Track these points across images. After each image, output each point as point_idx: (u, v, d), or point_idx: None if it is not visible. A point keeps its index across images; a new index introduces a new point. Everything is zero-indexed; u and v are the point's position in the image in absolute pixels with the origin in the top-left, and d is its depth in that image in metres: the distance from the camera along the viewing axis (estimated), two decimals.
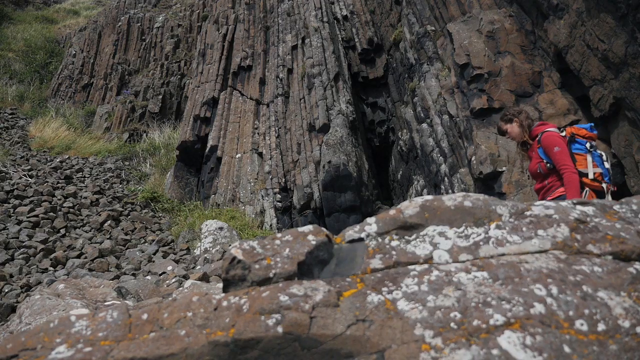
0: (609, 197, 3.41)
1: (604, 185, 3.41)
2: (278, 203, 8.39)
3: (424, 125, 7.79)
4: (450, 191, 6.67)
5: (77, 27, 20.63)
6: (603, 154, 3.56)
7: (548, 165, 3.55)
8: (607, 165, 3.51)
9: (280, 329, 0.98)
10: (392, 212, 1.39)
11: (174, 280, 5.08)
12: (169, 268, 5.84)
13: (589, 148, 3.50)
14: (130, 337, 1.05)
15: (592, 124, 3.73)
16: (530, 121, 3.80)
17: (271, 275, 1.18)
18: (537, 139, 3.67)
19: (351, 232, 1.36)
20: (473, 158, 6.08)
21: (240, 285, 1.19)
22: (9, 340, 1.10)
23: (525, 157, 3.95)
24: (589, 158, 3.48)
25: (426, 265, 1.19)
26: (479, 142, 6.08)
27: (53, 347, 1.03)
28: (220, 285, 4.37)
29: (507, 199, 5.45)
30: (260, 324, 1.00)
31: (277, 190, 8.58)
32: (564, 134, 3.57)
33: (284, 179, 8.69)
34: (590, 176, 3.40)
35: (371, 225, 1.36)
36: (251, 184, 8.90)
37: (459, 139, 6.82)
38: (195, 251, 6.83)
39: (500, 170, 5.77)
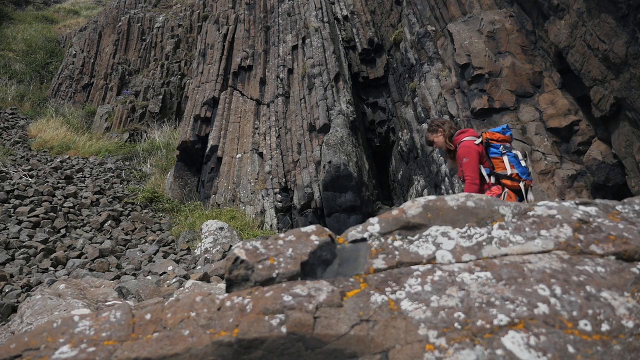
0: (530, 194, 3.67)
1: (521, 184, 3.61)
2: (278, 203, 8.39)
3: (425, 125, 7.79)
4: (450, 191, 6.67)
5: (77, 27, 20.64)
6: (518, 153, 3.75)
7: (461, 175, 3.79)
8: (523, 163, 3.70)
9: (284, 329, 0.98)
10: (394, 212, 1.39)
11: (174, 280, 5.08)
12: (170, 268, 5.84)
13: (502, 151, 3.69)
14: (133, 337, 1.04)
15: (506, 126, 3.89)
16: (453, 131, 3.95)
17: (274, 275, 1.18)
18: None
19: (354, 232, 1.36)
20: None
21: (244, 285, 1.19)
22: (12, 340, 1.10)
23: (453, 164, 4.08)
24: (505, 159, 3.66)
25: (429, 266, 1.19)
26: None
27: (56, 347, 1.03)
28: (221, 285, 4.37)
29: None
30: (264, 324, 1.00)
31: (277, 190, 8.58)
32: (480, 140, 3.75)
33: (284, 179, 8.69)
34: (511, 174, 3.62)
35: (374, 225, 1.36)
36: (251, 184, 8.90)
37: None
38: (195, 251, 6.83)
39: None
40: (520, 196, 3.58)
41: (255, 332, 0.98)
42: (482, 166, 3.70)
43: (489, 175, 3.69)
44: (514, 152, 3.73)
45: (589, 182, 5.48)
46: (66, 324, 1.10)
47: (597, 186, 5.46)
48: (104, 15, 19.19)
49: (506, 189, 3.59)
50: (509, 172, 3.63)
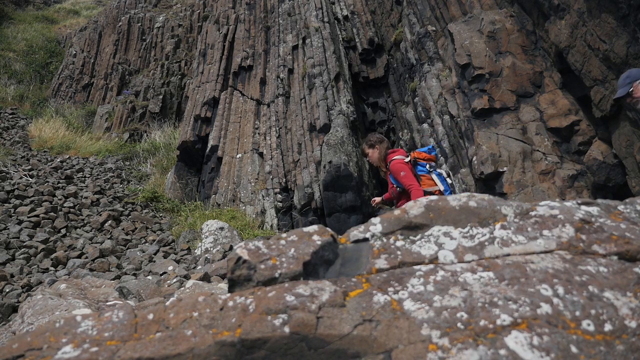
0: None
1: None
2: (279, 203, 8.39)
3: (425, 125, 7.79)
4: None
5: (77, 27, 20.64)
6: (443, 172, 4.19)
7: (398, 189, 4.13)
8: (449, 181, 4.17)
9: (287, 329, 0.98)
10: (397, 212, 1.39)
11: (175, 280, 5.08)
12: (170, 268, 5.84)
13: (429, 169, 4.11)
14: (136, 337, 1.04)
15: (431, 147, 4.38)
16: (387, 150, 4.33)
17: (277, 275, 1.18)
18: (387, 166, 4.24)
19: (356, 232, 1.36)
20: (474, 158, 6.08)
21: (246, 285, 1.19)
22: (14, 340, 1.10)
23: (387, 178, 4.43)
24: (434, 177, 4.08)
25: (432, 266, 1.19)
26: (480, 143, 6.08)
27: (59, 347, 1.03)
28: (222, 285, 4.37)
29: (508, 199, 5.45)
30: (267, 324, 1.00)
31: (277, 190, 8.58)
32: (408, 159, 4.13)
33: (284, 179, 8.69)
34: (437, 190, 4.00)
35: (376, 225, 1.36)
36: (252, 184, 8.90)
37: (459, 139, 6.82)
38: (196, 251, 6.83)
39: (501, 170, 5.77)
40: None
41: (258, 332, 0.98)
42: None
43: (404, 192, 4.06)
44: (438, 170, 4.14)
45: (590, 182, 5.49)
46: (69, 324, 1.10)
47: (597, 186, 5.46)
48: (104, 15, 19.20)
49: None
50: (435, 188, 4.01)
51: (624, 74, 3.70)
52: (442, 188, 4.00)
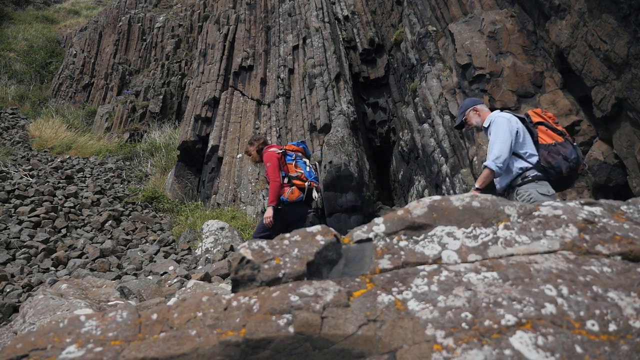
0: (315, 192, 4.89)
1: (306, 183, 4.81)
2: None
3: (425, 125, 7.79)
4: (451, 192, 6.67)
5: (77, 27, 20.64)
6: (307, 161, 5.01)
7: (267, 177, 4.86)
8: (308, 168, 4.93)
9: (291, 329, 0.98)
10: (400, 212, 1.39)
11: (175, 280, 5.07)
12: (171, 268, 5.84)
13: (295, 158, 4.91)
14: (140, 337, 1.04)
15: (300, 141, 5.19)
16: (263, 146, 5.08)
17: (280, 275, 1.18)
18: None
19: (359, 232, 1.36)
20: (475, 158, 6.08)
21: (250, 285, 1.19)
22: (18, 340, 1.10)
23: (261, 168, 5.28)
24: (299, 164, 4.88)
25: (435, 266, 1.19)
26: (481, 143, 6.08)
27: (63, 347, 1.03)
28: (223, 285, 4.37)
29: (506, 199, 5.44)
30: (271, 324, 1.00)
31: None
32: (280, 151, 4.87)
33: None
34: (301, 175, 4.80)
35: (379, 225, 1.36)
36: (252, 184, 8.90)
37: (460, 139, 6.82)
38: (196, 251, 6.82)
39: None
40: (304, 193, 4.77)
41: (263, 332, 0.98)
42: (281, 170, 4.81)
43: (283, 177, 4.79)
44: (303, 160, 4.95)
45: (590, 182, 5.48)
46: (72, 323, 1.10)
47: (598, 186, 5.46)
48: (104, 15, 19.19)
49: (294, 186, 4.76)
50: (297, 174, 4.80)
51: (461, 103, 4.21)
52: (303, 172, 4.83)
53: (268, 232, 4.74)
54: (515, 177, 3.50)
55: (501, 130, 3.47)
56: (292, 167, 4.85)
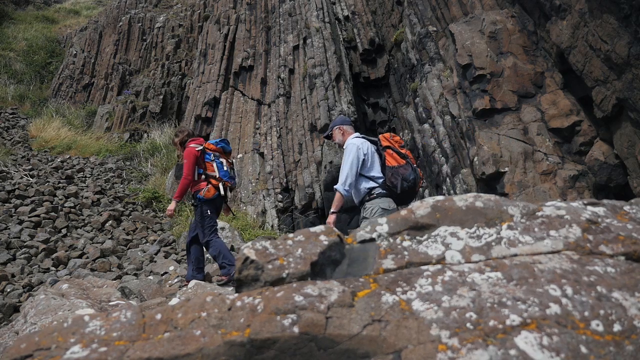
0: (229, 193, 5.07)
1: (220, 183, 4.93)
2: (279, 203, 8.39)
3: (426, 125, 7.79)
4: (452, 192, 6.67)
5: (77, 27, 20.64)
6: (223, 161, 5.09)
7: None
8: (225, 169, 5.05)
9: (296, 329, 0.98)
10: (403, 212, 1.39)
11: (176, 280, 5.08)
12: (171, 268, 5.84)
13: (213, 158, 5.01)
14: (144, 337, 1.04)
15: (220, 140, 5.23)
16: (187, 138, 5.17)
17: (284, 275, 1.18)
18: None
19: (362, 233, 1.36)
20: (475, 158, 6.08)
21: (253, 285, 1.19)
22: (22, 339, 1.10)
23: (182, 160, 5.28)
24: (214, 165, 4.99)
25: (439, 266, 1.19)
26: (482, 143, 6.08)
27: (68, 347, 1.03)
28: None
29: (509, 200, 5.44)
30: (276, 324, 1.00)
31: (278, 190, 8.58)
32: (200, 147, 4.96)
33: (285, 179, 8.69)
34: (217, 175, 4.93)
35: (382, 225, 1.36)
36: (252, 184, 8.90)
37: (460, 139, 6.82)
38: None
39: (502, 170, 5.77)
40: (219, 191, 4.89)
41: (268, 332, 0.98)
42: (198, 167, 4.92)
43: (199, 175, 4.91)
44: (220, 160, 5.06)
45: (591, 182, 5.48)
46: (77, 323, 1.10)
47: (599, 187, 5.46)
48: (104, 15, 19.19)
49: (210, 185, 4.88)
50: (217, 173, 4.94)
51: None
52: (218, 174, 4.94)
53: (195, 233, 5.01)
54: (364, 195, 4.00)
55: (350, 156, 3.96)
56: (210, 165, 5.01)
